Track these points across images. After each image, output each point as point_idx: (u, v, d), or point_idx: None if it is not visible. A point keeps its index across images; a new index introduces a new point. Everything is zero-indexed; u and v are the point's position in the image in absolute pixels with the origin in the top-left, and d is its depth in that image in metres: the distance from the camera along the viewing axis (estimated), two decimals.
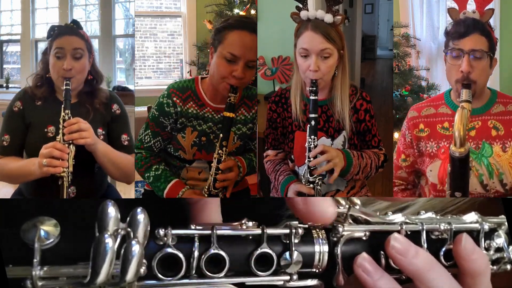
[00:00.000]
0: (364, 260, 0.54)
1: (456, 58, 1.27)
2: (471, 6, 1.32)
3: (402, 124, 1.52)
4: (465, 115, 1.06)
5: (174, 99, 1.45)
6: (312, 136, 1.36)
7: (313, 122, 1.36)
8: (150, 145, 1.50)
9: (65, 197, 1.36)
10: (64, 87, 1.44)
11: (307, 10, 1.36)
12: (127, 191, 2.05)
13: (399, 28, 2.45)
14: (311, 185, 1.37)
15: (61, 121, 1.40)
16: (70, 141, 1.38)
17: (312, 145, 1.35)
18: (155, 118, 1.48)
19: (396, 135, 2.03)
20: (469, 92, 1.20)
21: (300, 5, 1.37)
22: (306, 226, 0.56)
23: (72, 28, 1.52)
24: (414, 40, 2.47)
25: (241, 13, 2.61)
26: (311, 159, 1.35)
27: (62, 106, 1.41)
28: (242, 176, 1.48)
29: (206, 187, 1.39)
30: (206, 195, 1.38)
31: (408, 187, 1.54)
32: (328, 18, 1.34)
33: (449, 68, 1.31)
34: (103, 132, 1.53)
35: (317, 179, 1.37)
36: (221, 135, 1.37)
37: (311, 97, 1.36)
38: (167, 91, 1.47)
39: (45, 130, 1.47)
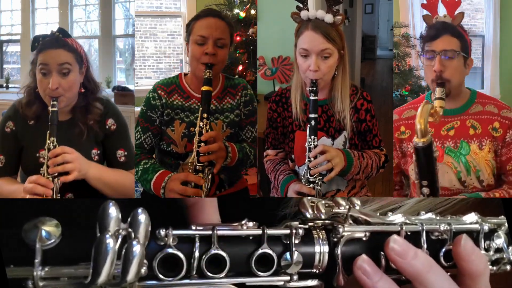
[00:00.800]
0: (363, 262, 0.54)
1: (430, 60, 1.34)
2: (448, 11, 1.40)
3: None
4: (427, 109, 1.10)
5: (159, 92, 1.52)
6: (312, 136, 1.36)
7: (313, 122, 1.36)
8: (141, 141, 1.52)
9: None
10: (51, 109, 1.33)
11: (308, 10, 1.36)
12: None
13: (399, 28, 2.46)
14: (311, 185, 1.36)
15: (46, 150, 1.30)
16: (56, 173, 1.29)
17: (312, 145, 1.35)
18: (143, 114, 1.52)
19: None
20: (442, 90, 1.26)
21: (301, 5, 1.37)
22: (307, 226, 0.56)
23: (58, 39, 1.38)
24: (414, 40, 2.47)
25: (241, 13, 2.61)
26: (311, 159, 1.35)
27: (48, 132, 1.31)
28: (232, 158, 1.45)
29: (190, 161, 1.37)
30: (190, 171, 1.35)
31: (396, 188, 1.58)
32: (329, 18, 1.34)
33: (425, 69, 1.38)
34: (98, 152, 1.46)
35: (317, 179, 1.37)
36: (200, 108, 1.38)
37: (311, 97, 1.36)
38: (153, 87, 1.54)
39: (37, 155, 1.39)
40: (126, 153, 1.49)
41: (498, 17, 2.56)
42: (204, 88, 1.39)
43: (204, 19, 1.46)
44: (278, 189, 1.48)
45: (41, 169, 1.29)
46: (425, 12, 1.42)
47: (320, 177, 1.37)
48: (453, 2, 1.37)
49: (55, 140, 1.30)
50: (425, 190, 1.15)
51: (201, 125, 1.36)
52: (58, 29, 1.41)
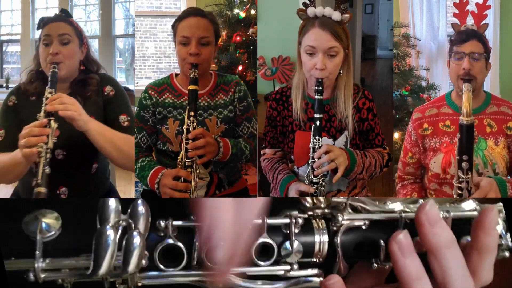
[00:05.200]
0: (404, 237, 0.52)
1: (459, 60, 1.49)
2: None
3: (404, 124, 1.70)
4: (470, 95, 1.31)
5: (150, 92, 1.55)
6: (317, 137, 1.34)
7: (318, 122, 1.34)
8: (137, 141, 1.55)
9: (40, 177, 1.18)
10: (51, 70, 1.38)
11: (315, 7, 1.35)
12: (127, 191, 2.05)
13: (399, 28, 2.46)
14: (315, 186, 1.35)
15: (44, 100, 1.30)
16: (51, 118, 1.27)
17: (316, 146, 1.34)
18: (137, 114, 1.56)
19: (396, 135, 2.05)
20: (469, 85, 1.38)
21: (308, 2, 1.36)
22: (306, 215, 0.56)
23: (60, 16, 1.50)
24: (414, 40, 2.47)
25: (241, 13, 2.61)
26: (315, 159, 1.33)
27: (47, 86, 1.34)
28: (224, 153, 1.46)
29: (180, 158, 1.40)
30: (180, 166, 1.39)
31: (416, 181, 1.67)
32: (336, 15, 1.33)
33: (453, 68, 1.51)
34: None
35: (320, 180, 1.35)
36: (187, 107, 1.40)
37: (317, 97, 1.34)
38: (145, 88, 1.57)
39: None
40: (129, 118, 1.51)
41: (498, 17, 2.56)
42: (190, 87, 1.41)
43: (186, 19, 1.47)
44: (277, 188, 1.47)
45: (37, 115, 1.28)
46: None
47: (324, 178, 1.36)
48: (481, 15, 1.59)
49: (54, 91, 1.33)
50: (464, 165, 1.30)
51: (188, 123, 1.38)
52: (61, 9, 1.54)
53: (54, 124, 1.26)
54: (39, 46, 1.46)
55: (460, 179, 1.31)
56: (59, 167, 1.37)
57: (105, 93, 1.51)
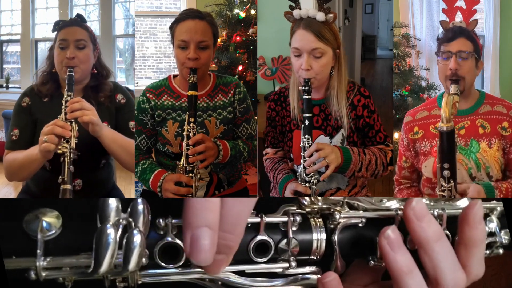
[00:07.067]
0: (393, 232, 0.53)
1: (446, 60, 1.44)
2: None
3: (402, 125, 1.61)
4: (450, 100, 1.24)
5: (148, 95, 1.53)
6: (307, 136, 1.35)
7: (307, 122, 1.35)
8: (137, 143, 1.55)
9: (65, 175, 1.28)
10: (67, 73, 1.43)
11: (300, 8, 1.36)
12: (127, 191, 2.05)
13: (399, 28, 2.46)
14: (307, 184, 1.35)
15: (63, 102, 1.37)
16: (72, 120, 1.35)
17: (306, 145, 1.34)
18: (136, 118, 1.55)
19: (396, 135, 2.05)
20: (456, 87, 1.37)
21: (293, 4, 1.37)
22: (304, 212, 0.57)
23: (76, 21, 1.54)
24: (414, 40, 2.48)
25: (241, 13, 2.61)
26: (306, 158, 1.34)
27: (65, 90, 1.40)
28: (224, 156, 1.47)
29: (181, 164, 1.40)
30: (181, 172, 1.39)
31: (413, 185, 1.62)
32: (320, 16, 1.33)
33: (440, 68, 1.46)
34: (109, 126, 1.53)
35: (312, 178, 1.35)
36: (187, 112, 1.40)
37: (304, 97, 1.35)
38: (143, 91, 1.57)
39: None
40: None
41: (498, 17, 2.56)
42: (189, 93, 1.39)
43: (184, 22, 1.45)
44: (277, 188, 1.48)
45: (59, 116, 1.35)
46: (442, 17, 1.55)
47: (316, 176, 1.36)
48: (470, 11, 1.52)
49: (72, 94, 1.39)
50: (446, 173, 1.24)
51: (188, 129, 1.38)
52: (77, 14, 1.57)
53: (75, 127, 1.35)
54: (54, 48, 1.50)
55: (442, 188, 1.27)
56: (74, 164, 1.43)
57: (117, 100, 1.59)
